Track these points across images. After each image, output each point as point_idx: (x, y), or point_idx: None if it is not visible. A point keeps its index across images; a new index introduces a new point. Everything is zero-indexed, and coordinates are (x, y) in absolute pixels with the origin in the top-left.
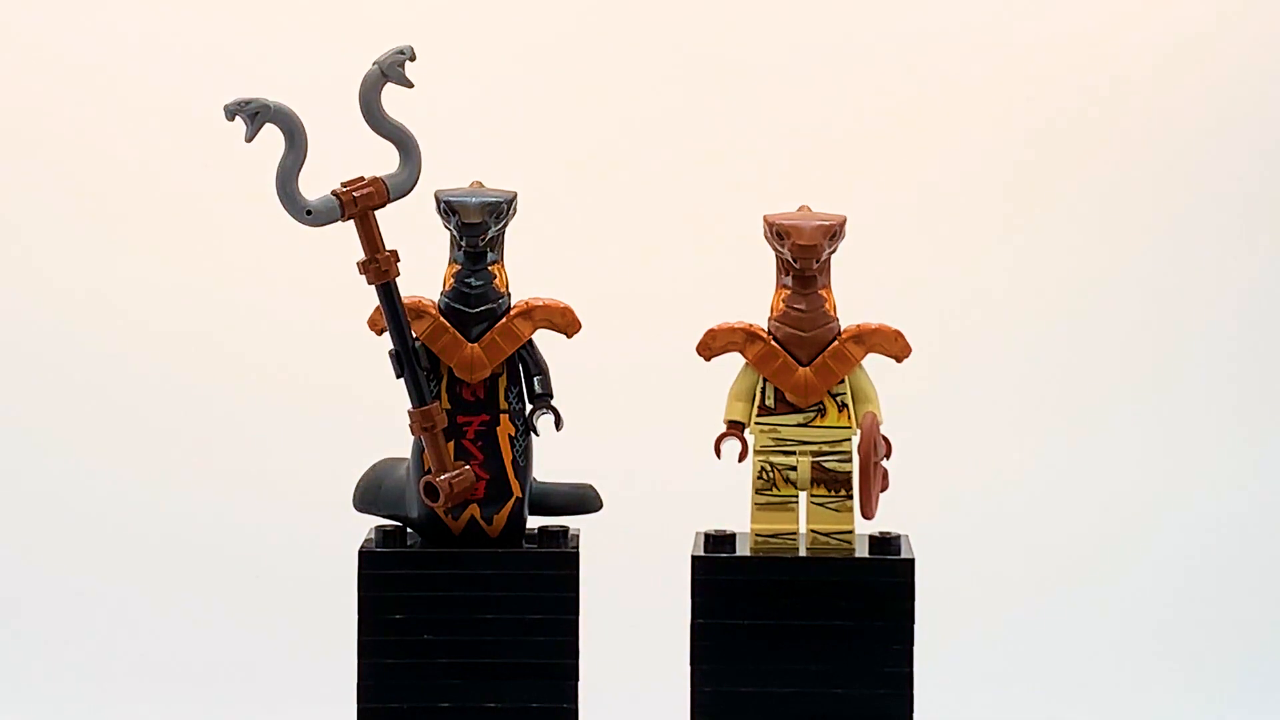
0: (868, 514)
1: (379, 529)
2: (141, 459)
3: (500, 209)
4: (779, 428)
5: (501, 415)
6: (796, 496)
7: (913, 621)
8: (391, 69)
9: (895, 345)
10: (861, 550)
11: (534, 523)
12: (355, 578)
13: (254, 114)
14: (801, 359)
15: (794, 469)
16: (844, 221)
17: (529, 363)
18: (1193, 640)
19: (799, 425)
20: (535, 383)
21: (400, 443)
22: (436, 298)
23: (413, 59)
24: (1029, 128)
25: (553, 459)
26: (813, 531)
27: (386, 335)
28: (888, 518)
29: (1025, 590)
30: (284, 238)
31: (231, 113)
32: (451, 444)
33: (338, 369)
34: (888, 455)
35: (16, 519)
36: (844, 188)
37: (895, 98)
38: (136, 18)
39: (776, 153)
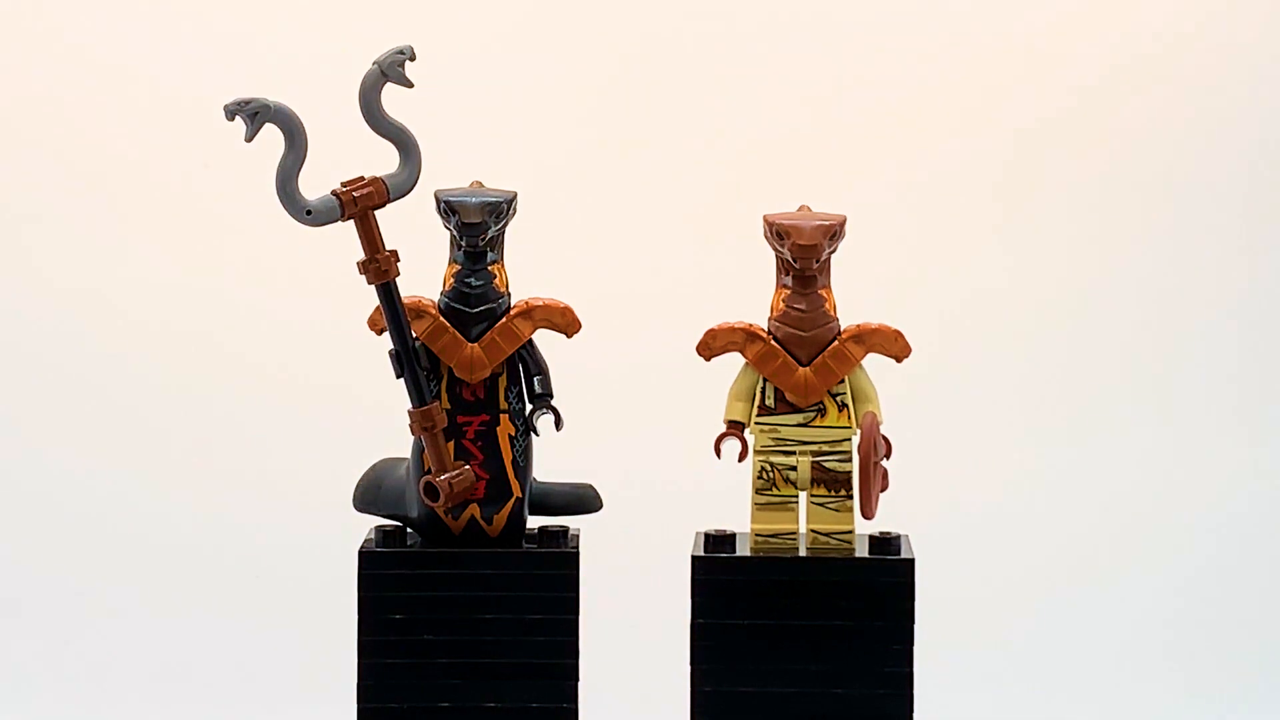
0: (868, 514)
1: (379, 529)
2: (141, 459)
3: (500, 209)
4: (779, 428)
5: (501, 415)
6: (796, 496)
7: (913, 621)
8: (391, 69)
9: (895, 345)
10: (861, 550)
11: (534, 523)
12: (355, 578)
13: (254, 114)
14: (801, 359)
15: (794, 469)
16: (844, 221)
17: (529, 363)
18: (1193, 640)
19: (799, 425)
20: (535, 383)
21: (400, 443)
22: (436, 298)
23: (413, 59)
24: (1030, 127)
25: (553, 459)
26: (813, 531)
27: (386, 335)
28: (888, 518)
29: (1025, 590)
30: (284, 238)
31: (231, 113)
32: (451, 444)
33: (338, 369)
34: (888, 455)
35: (16, 518)
36: (844, 188)
37: (895, 97)
38: (136, 17)
39: (776, 153)
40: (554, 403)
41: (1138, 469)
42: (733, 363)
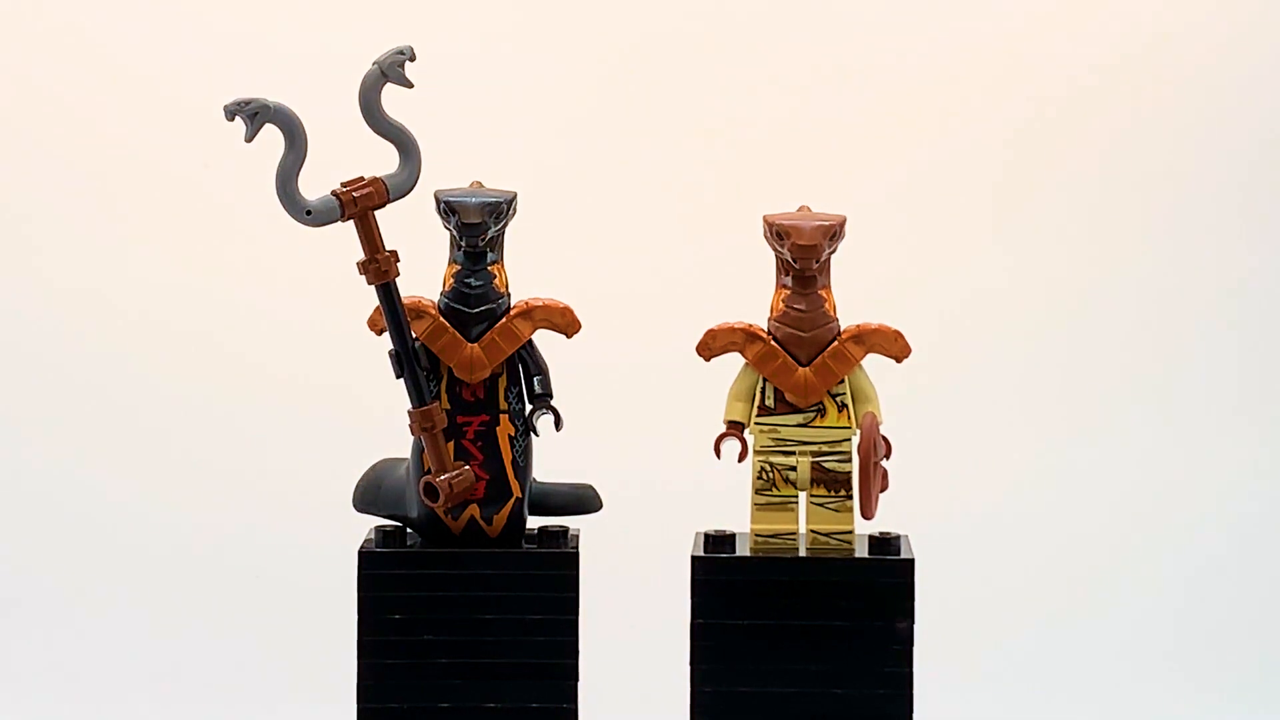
0: (867, 514)
1: (379, 529)
2: (140, 458)
3: (500, 209)
4: (779, 428)
5: (501, 415)
6: (796, 496)
7: (913, 621)
8: (391, 69)
9: (895, 345)
10: (861, 550)
11: (534, 523)
12: (355, 578)
13: (254, 114)
14: (801, 359)
15: (794, 469)
16: (844, 221)
17: (529, 363)
18: (1194, 640)
19: (799, 425)
20: (535, 383)
21: (400, 443)
22: (436, 298)
23: (413, 59)
24: (1030, 126)
25: (553, 459)
26: (813, 532)
27: (386, 335)
28: (888, 518)
29: (1025, 590)
30: (284, 238)
31: (231, 113)
32: (451, 444)
33: (338, 369)
34: (887, 455)
35: (15, 518)
36: (844, 188)
37: (895, 97)
38: (137, 17)
39: (776, 153)
40: (554, 403)
41: (1138, 468)
42: (733, 363)
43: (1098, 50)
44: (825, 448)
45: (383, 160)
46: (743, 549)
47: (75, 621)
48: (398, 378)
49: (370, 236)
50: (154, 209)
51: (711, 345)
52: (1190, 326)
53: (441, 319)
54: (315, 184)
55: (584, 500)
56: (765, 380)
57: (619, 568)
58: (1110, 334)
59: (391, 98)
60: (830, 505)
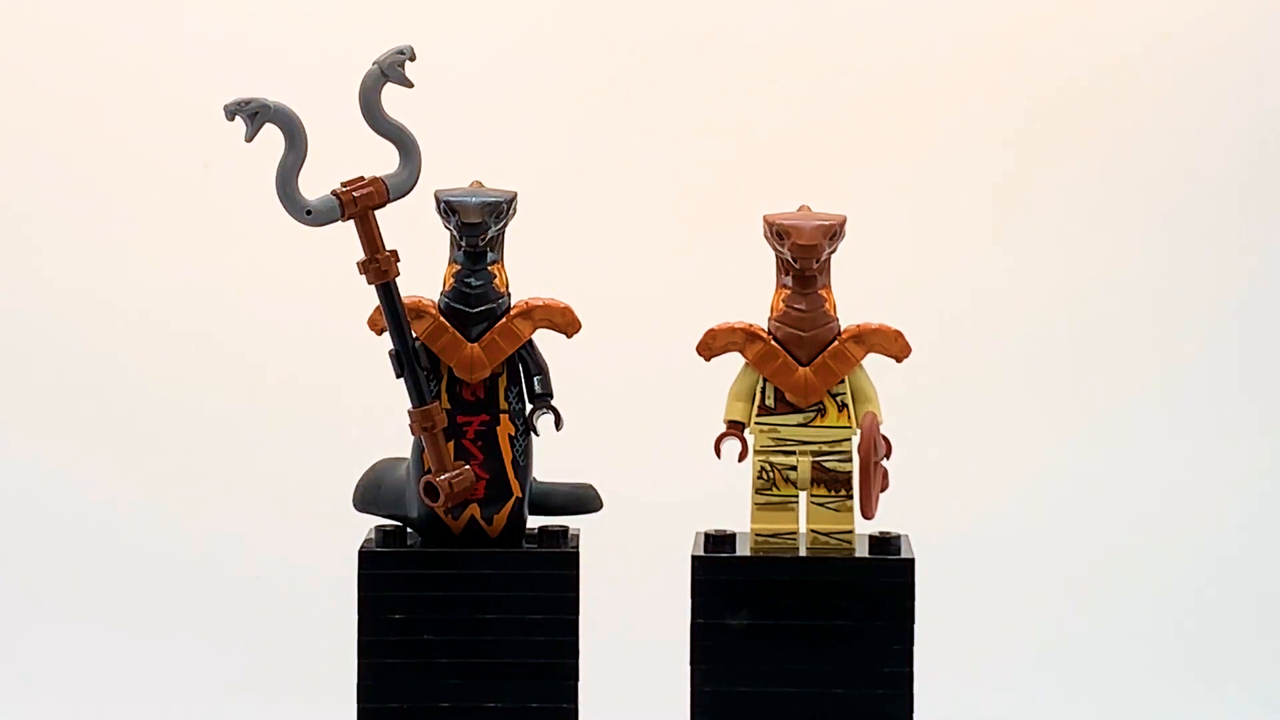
0: (868, 514)
1: (379, 529)
2: (141, 458)
3: (500, 209)
4: (779, 428)
5: (501, 415)
6: (796, 496)
7: (913, 621)
8: (391, 69)
9: (895, 345)
10: (861, 550)
11: (534, 523)
12: (355, 578)
13: (254, 114)
14: (801, 359)
15: (794, 469)
16: (844, 221)
17: (529, 363)
18: (1194, 640)
19: (799, 425)
20: (535, 383)
21: (400, 443)
22: (436, 298)
23: (413, 59)
24: (1030, 126)
25: (553, 459)
26: (813, 531)
27: (386, 335)
28: (888, 518)
29: (1025, 590)
30: (284, 238)
31: (231, 113)
32: (451, 444)
33: (338, 369)
34: (888, 455)
35: (15, 518)
36: (844, 187)
37: (895, 97)
38: (137, 17)
39: (776, 152)
40: (554, 402)
41: (1139, 468)
42: (733, 363)
43: (1098, 50)
44: (825, 447)
45: (383, 160)
46: (743, 549)
47: (75, 621)
48: (398, 377)
49: (370, 236)
50: (154, 209)
51: (712, 345)
52: (1191, 326)
53: (441, 319)
54: (315, 184)
55: (584, 500)
56: (765, 380)
57: (619, 568)
58: (1111, 334)
59: (391, 98)
60: (830, 505)
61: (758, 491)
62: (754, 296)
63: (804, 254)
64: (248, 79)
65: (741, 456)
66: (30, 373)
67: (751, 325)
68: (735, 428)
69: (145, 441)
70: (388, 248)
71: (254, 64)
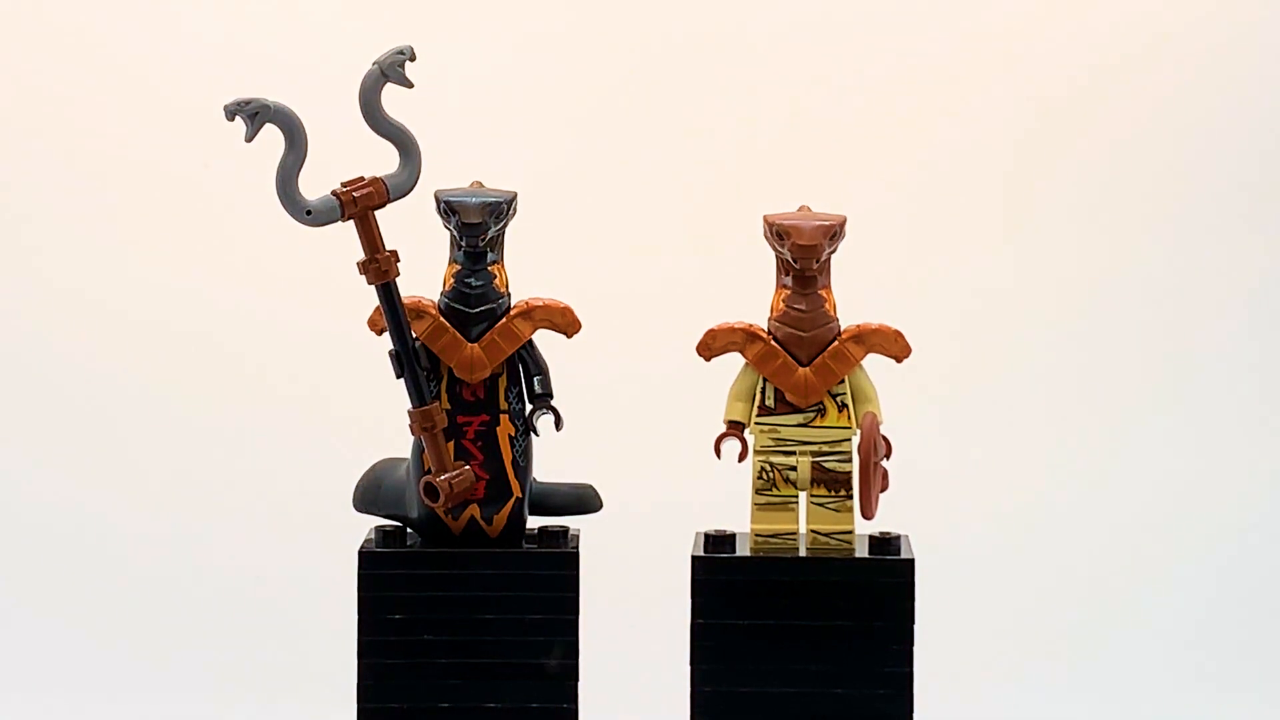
0: (868, 514)
1: (379, 529)
2: (141, 458)
3: (500, 209)
4: (779, 428)
5: (501, 415)
6: (796, 496)
7: (913, 621)
8: (391, 69)
9: (895, 345)
10: (861, 550)
11: (534, 523)
12: (355, 578)
13: (254, 114)
14: (801, 359)
15: (794, 469)
16: (844, 221)
17: (529, 363)
18: (1194, 640)
19: (799, 425)
20: (535, 383)
21: (400, 443)
22: (436, 298)
23: (413, 59)
24: (1032, 125)
25: (553, 459)
26: (813, 531)
27: (386, 335)
28: (888, 518)
29: (1024, 590)
30: (284, 238)
31: (231, 113)
32: (451, 444)
33: (338, 369)
34: (888, 455)
35: (15, 518)
36: (844, 187)
37: (896, 96)
38: (137, 17)
39: (776, 153)
40: (554, 403)
41: (1140, 467)
42: (733, 363)
43: (1099, 50)
44: (825, 447)
45: (383, 160)
46: (743, 549)
47: (75, 621)
48: (398, 378)
49: (370, 236)
50: (154, 209)
51: (712, 345)
52: (1198, 325)
53: (441, 319)
54: (315, 184)
55: (584, 500)
56: (765, 380)
57: (619, 568)
58: (1114, 333)
59: (391, 98)
60: (830, 505)
61: (758, 492)
62: (754, 296)
63: (804, 254)
64: (248, 79)
65: (741, 457)
66: (30, 373)
67: (751, 325)
68: (735, 428)
69: (145, 441)
70: (388, 248)
71: (254, 64)
